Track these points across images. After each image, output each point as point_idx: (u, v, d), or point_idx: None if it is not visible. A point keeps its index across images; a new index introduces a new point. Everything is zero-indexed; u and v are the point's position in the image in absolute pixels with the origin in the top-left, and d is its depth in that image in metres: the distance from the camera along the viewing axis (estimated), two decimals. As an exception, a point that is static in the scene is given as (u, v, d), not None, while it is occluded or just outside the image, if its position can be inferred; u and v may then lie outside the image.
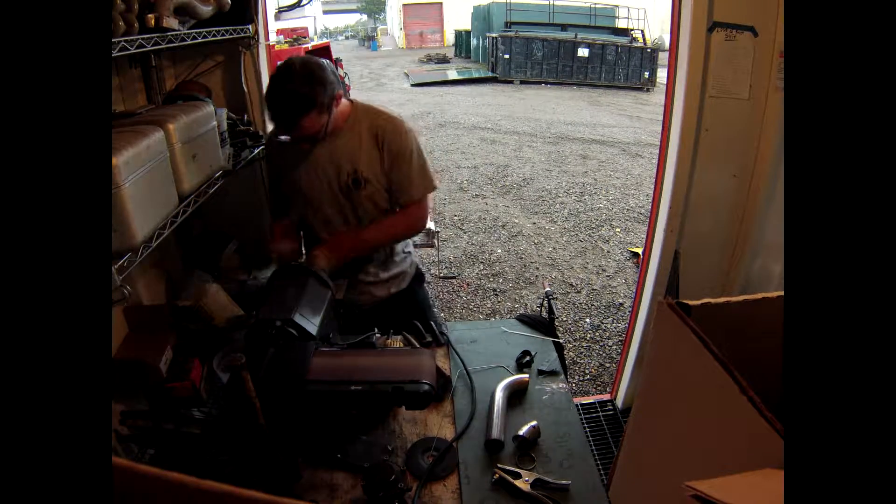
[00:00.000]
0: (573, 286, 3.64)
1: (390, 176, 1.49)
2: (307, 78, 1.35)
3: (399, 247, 1.68)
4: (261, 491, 0.41)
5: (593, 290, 3.59)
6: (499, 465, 1.08)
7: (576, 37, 13.00)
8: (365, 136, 1.47)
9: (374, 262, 1.63)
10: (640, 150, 7.04)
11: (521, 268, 3.90)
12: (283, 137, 1.46)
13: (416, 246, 1.97)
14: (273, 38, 2.24)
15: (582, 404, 2.33)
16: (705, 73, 1.68)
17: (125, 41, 1.13)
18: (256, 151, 1.89)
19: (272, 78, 1.39)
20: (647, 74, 12.68)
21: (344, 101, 1.48)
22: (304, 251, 1.68)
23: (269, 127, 2.05)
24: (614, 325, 3.19)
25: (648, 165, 6.20)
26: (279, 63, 1.42)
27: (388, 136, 1.46)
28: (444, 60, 17.71)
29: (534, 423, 1.18)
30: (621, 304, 3.40)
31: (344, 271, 1.61)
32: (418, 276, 1.77)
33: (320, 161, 1.50)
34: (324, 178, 1.51)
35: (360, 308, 1.65)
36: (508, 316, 3.14)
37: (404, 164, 1.48)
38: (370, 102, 1.56)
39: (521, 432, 1.15)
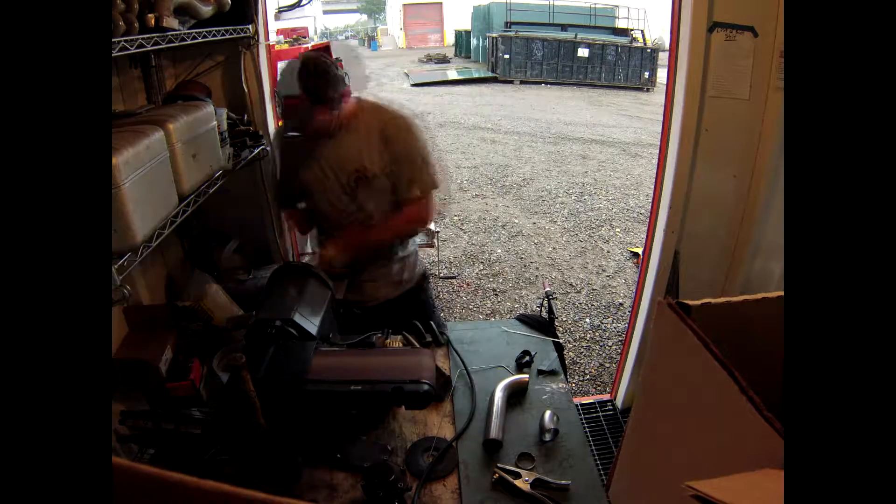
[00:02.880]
0: (573, 286, 3.64)
1: (395, 172, 1.50)
2: (317, 75, 1.38)
3: (408, 245, 1.69)
4: (261, 491, 0.41)
5: (593, 290, 3.59)
6: (499, 465, 1.08)
7: (576, 37, 13.00)
8: (371, 133, 1.48)
9: (380, 260, 1.64)
10: (640, 150, 7.04)
11: (521, 268, 3.90)
12: (291, 133, 1.47)
13: (417, 246, 1.97)
14: (273, 38, 2.24)
15: (582, 404, 2.33)
16: (705, 73, 1.68)
17: (125, 41, 1.13)
18: (256, 151, 1.89)
19: (287, 72, 1.41)
20: (647, 74, 12.68)
21: (350, 98, 1.50)
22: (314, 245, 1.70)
23: (270, 127, 2.05)
24: (614, 325, 3.19)
25: (648, 165, 6.20)
26: (293, 59, 1.45)
27: (393, 133, 1.48)
28: (444, 60, 17.70)
29: (549, 412, 1.20)
30: (621, 304, 3.40)
31: (350, 270, 1.62)
32: (424, 276, 1.78)
33: (327, 157, 1.52)
34: (330, 174, 1.53)
35: (365, 307, 1.65)
36: (508, 316, 3.14)
37: (409, 160, 1.49)
38: (377, 98, 1.58)
39: (546, 424, 1.17)
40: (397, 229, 1.60)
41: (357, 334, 1.44)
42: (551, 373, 1.37)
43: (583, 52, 12.78)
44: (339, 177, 1.52)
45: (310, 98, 1.42)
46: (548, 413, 1.20)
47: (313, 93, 1.40)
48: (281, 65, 1.54)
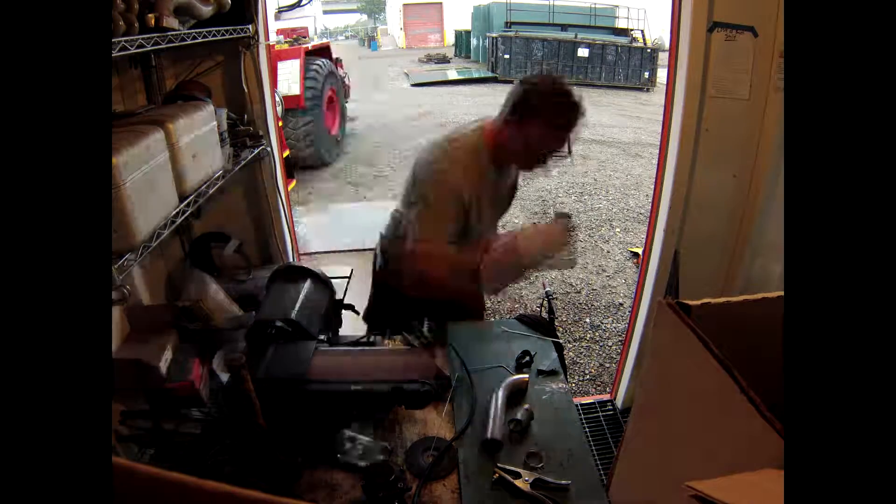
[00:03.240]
0: (573, 286, 3.64)
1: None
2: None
3: None
4: (261, 491, 0.41)
5: (593, 290, 3.59)
6: (499, 465, 1.08)
7: (576, 37, 12.99)
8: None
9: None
10: (640, 150, 7.04)
11: (521, 268, 3.89)
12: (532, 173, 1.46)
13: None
14: (273, 38, 2.24)
15: (582, 404, 2.33)
16: (705, 73, 1.68)
17: (125, 41, 1.13)
18: (256, 151, 1.89)
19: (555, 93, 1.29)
20: (647, 74, 12.67)
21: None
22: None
23: (271, 127, 2.05)
24: (614, 325, 3.19)
25: (648, 165, 6.20)
26: (549, 78, 1.32)
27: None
28: (444, 60, 17.70)
29: (526, 406, 1.20)
30: (621, 304, 3.40)
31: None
32: None
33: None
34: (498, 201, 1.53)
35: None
36: (508, 316, 3.14)
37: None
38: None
39: (517, 416, 1.17)
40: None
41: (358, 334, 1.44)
42: (551, 373, 1.37)
43: (583, 52, 12.77)
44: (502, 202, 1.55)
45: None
46: (524, 406, 1.21)
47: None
48: None
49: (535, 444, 1.16)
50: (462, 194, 1.33)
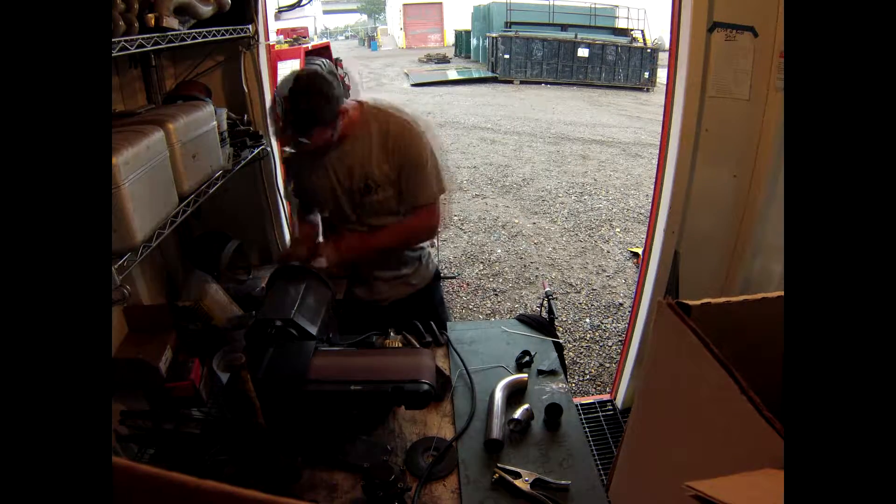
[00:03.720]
0: (573, 286, 3.64)
1: (401, 180, 1.46)
2: (311, 94, 1.33)
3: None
4: (261, 491, 0.41)
5: (593, 290, 3.59)
6: (499, 465, 1.08)
7: (576, 37, 13.00)
8: (375, 140, 1.45)
9: (392, 259, 1.63)
10: (640, 150, 7.04)
11: (520, 268, 3.90)
12: (288, 149, 1.45)
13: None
14: (273, 37, 2.24)
15: (582, 404, 2.33)
16: (705, 73, 1.68)
17: (125, 41, 1.13)
18: (256, 151, 1.89)
19: (279, 91, 1.36)
20: (647, 74, 12.68)
21: (352, 103, 1.45)
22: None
23: (271, 129, 2.05)
24: (614, 325, 3.19)
25: (648, 165, 6.20)
26: (286, 76, 1.39)
27: (398, 141, 1.43)
28: (444, 60, 17.69)
29: (526, 405, 1.20)
30: (621, 304, 3.40)
31: (361, 270, 1.61)
32: (437, 275, 1.77)
33: (332, 166, 1.49)
34: (336, 182, 1.50)
35: (379, 306, 1.64)
36: (508, 316, 3.14)
37: (416, 168, 1.45)
38: (380, 102, 1.52)
39: (517, 416, 1.17)
40: (404, 238, 1.56)
41: (359, 334, 1.44)
42: (551, 373, 1.37)
43: (583, 52, 12.78)
44: (344, 184, 1.49)
45: (302, 131, 1.37)
46: (524, 406, 1.21)
47: (309, 119, 1.35)
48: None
49: (535, 444, 1.16)
50: None
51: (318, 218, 1.69)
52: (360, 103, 1.49)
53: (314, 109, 1.33)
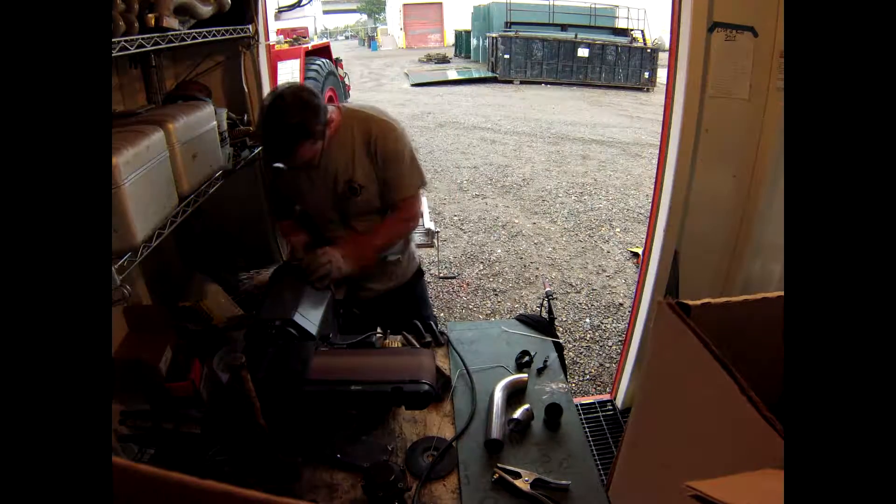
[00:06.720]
0: (573, 286, 3.64)
1: (384, 177, 1.51)
2: (299, 109, 1.35)
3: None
4: (261, 491, 0.41)
5: (593, 290, 3.59)
6: (499, 465, 1.08)
7: (576, 37, 12.99)
8: (356, 143, 1.48)
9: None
10: (640, 150, 7.04)
11: (520, 268, 3.90)
12: (277, 165, 1.48)
13: (416, 245, 1.97)
14: (273, 38, 2.24)
15: (582, 404, 2.33)
16: (705, 73, 1.68)
17: (125, 41, 1.13)
18: (256, 151, 1.89)
19: (264, 109, 1.38)
20: (647, 74, 12.67)
21: (332, 108, 1.48)
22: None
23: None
24: (614, 325, 3.19)
25: (648, 165, 6.20)
26: (269, 93, 1.42)
27: (379, 142, 1.48)
28: (444, 60, 17.70)
29: (526, 405, 1.21)
30: (621, 304, 3.40)
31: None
32: (419, 271, 1.80)
33: (316, 173, 1.52)
34: (321, 187, 1.53)
35: (359, 301, 1.66)
36: (508, 316, 3.14)
37: (397, 165, 1.50)
38: (357, 105, 1.58)
39: (517, 416, 1.18)
40: (397, 232, 1.60)
41: (356, 334, 1.44)
42: (551, 373, 1.37)
43: (583, 52, 12.77)
44: (329, 189, 1.52)
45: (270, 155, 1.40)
46: (524, 406, 1.21)
47: (272, 149, 1.40)
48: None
49: (535, 444, 1.16)
50: None
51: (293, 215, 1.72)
52: (339, 108, 1.53)
53: (303, 123, 1.36)
